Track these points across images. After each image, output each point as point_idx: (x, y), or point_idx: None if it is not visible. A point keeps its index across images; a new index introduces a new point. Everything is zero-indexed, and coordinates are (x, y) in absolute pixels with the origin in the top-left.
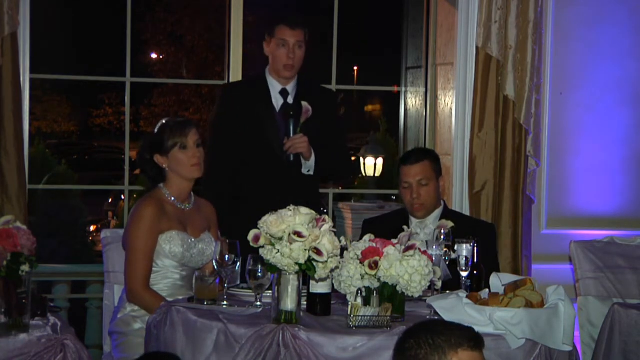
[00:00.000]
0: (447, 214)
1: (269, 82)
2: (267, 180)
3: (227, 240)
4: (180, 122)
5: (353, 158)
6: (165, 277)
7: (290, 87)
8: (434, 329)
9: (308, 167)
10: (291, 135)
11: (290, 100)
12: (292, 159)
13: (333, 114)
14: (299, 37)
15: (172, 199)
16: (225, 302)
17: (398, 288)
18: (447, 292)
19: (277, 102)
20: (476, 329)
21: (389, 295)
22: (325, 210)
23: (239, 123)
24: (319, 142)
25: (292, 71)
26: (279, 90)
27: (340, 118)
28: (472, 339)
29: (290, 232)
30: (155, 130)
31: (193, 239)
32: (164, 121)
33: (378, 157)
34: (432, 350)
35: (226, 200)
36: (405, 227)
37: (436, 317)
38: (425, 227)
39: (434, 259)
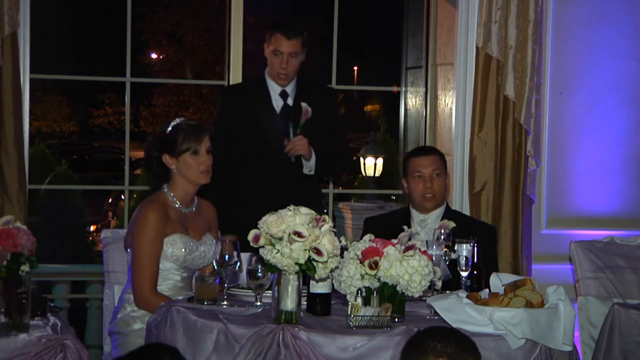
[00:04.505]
0: (449, 214)
1: (268, 84)
2: (268, 181)
3: (228, 240)
4: (196, 126)
5: (354, 158)
6: (166, 279)
7: (290, 88)
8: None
9: (309, 167)
10: (291, 137)
11: (290, 101)
12: (293, 160)
13: (333, 111)
14: (295, 47)
15: (177, 204)
16: (225, 302)
17: (398, 288)
18: (447, 292)
19: (277, 103)
20: (476, 329)
21: (389, 295)
22: (325, 210)
23: (239, 124)
24: (320, 140)
25: (285, 80)
26: (278, 92)
27: (339, 114)
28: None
29: (290, 232)
30: (168, 129)
31: (195, 242)
32: (178, 121)
33: (378, 157)
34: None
35: (226, 201)
36: (405, 227)
37: (436, 317)
38: (426, 226)
39: (434, 259)
